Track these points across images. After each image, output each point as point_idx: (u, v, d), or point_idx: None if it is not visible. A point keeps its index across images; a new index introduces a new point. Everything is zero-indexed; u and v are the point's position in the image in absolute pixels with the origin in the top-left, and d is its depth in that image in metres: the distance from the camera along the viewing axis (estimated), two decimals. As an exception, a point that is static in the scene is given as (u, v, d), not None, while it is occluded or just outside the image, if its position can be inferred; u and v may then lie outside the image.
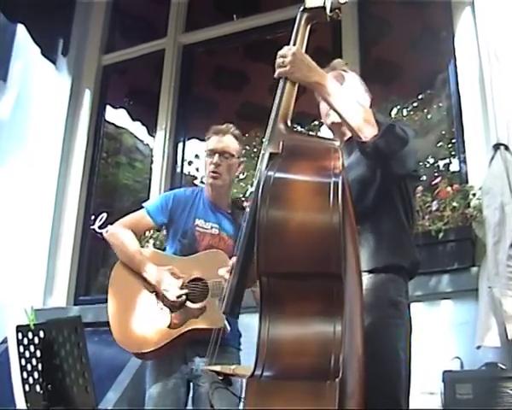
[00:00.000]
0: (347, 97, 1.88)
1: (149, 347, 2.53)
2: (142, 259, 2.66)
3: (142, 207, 2.80)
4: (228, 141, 2.76)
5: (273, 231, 1.42)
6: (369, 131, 1.79)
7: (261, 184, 1.47)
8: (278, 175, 1.49)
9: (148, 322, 2.57)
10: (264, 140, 1.71)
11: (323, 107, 2.11)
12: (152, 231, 3.87)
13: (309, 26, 1.88)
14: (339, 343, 1.34)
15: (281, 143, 1.62)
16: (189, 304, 2.58)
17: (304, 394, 1.32)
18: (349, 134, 2.01)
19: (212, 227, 2.73)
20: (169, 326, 2.55)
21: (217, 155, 2.72)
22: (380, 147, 1.80)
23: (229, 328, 2.46)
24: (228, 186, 2.81)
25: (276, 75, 1.80)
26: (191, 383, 2.63)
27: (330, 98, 1.83)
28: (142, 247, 3.02)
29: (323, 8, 1.85)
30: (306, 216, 1.44)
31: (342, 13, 1.90)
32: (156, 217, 2.75)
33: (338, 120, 1.96)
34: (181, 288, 2.57)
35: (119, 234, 2.73)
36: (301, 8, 1.88)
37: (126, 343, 2.58)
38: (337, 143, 1.64)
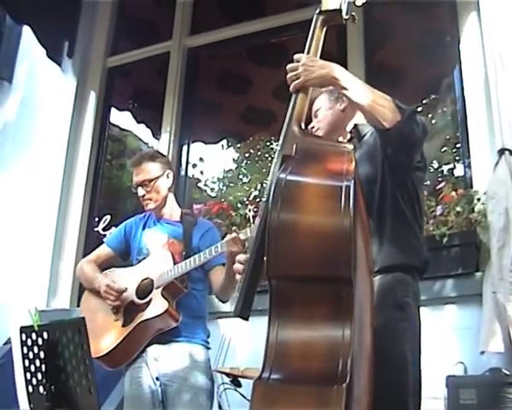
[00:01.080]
0: (365, 88, 1.86)
1: (107, 348, 2.71)
2: (93, 275, 2.95)
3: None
4: (143, 170, 2.94)
5: (283, 233, 1.41)
6: (391, 118, 1.77)
7: (273, 186, 1.47)
8: (290, 178, 1.48)
9: (106, 328, 2.79)
10: (275, 145, 1.71)
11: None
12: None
13: (325, 29, 1.88)
14: (347, 348, 1.33)
15: (294, 146, 1.62)
16: (137, 301, 2.77)
17: (310, 398, 1.31)
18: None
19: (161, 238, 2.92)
20: (123, 325, 2.75)
21: (139, 188, 2.93)
22: (405, 132, 1.79)
23: (179, 317, 2.69)
24: (164, 201, 2.98)
25: (292, 90, 1.79)
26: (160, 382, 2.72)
27: (349, 92, 1.82)
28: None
29: (339, 10, 1.85)
30: (317, 219, 1.43)
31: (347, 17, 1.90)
32: (114, 245, 3.04)
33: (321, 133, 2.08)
34: (117, 291, 2.79)
35: (82, 268, 3.06)
36: (317, 10, 1.88)
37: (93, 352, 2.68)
38: (351, 147, 1.63)
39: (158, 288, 2.72)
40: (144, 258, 2.88)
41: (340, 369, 1.31)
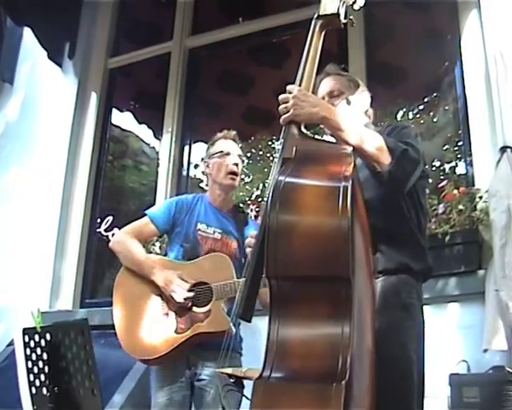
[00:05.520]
0: (359, 128, 1.85)
1: (156, 353, 2.53)
2: (150, 263, 2.67)
3: (145, 214, 2.81)
4: (236, 146, 2.85)
5: (282, 235, 1.43)
6: (382, 160, 1.78)
7: (271, 188, 1.49)
8: (288, 180, 1.50)
9: (154, 328, 2.58)
10: (277, 144, 1.71)
11: None
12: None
13: (323, 33, 1.88)
14: (346, 345, 1.35)
15: (294, 149, 1.63)
16: (194, 309, 2.58)
17: (309, 396, 1.33)
18: None
19: (214, 232, 2.75)
20: (175, 331, 2.56)
21: (235, 157, 2.80)
22: (396, 175, 1.79)
23: (234, 330, 2.46)
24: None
25: (282, 123, 1.76)
26: (194, 387, 2.64)
27: (342, 134, 1.78)
28: (149, 252, 3.03)
29: (337, 14, 1.85)
30: (315, 220, 1.45)
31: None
32: (160, 224, 2.76)
33: None
34: (188, 291, 2.58)
35: (125, 241, 2.74)
36: (315, 15, 1.88)
37: (133, 350, 2.59)
38: (350, 149, 1.63)
39: (218, 299, 2.54)
40: (191, 247, 2.69)
41: (339, 366, 1.33)
